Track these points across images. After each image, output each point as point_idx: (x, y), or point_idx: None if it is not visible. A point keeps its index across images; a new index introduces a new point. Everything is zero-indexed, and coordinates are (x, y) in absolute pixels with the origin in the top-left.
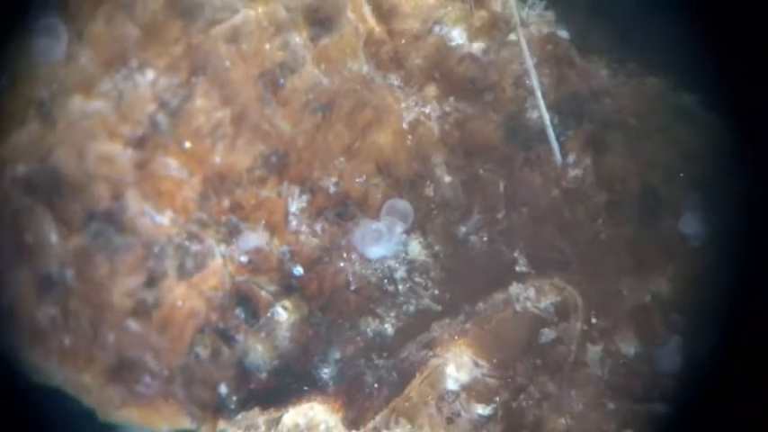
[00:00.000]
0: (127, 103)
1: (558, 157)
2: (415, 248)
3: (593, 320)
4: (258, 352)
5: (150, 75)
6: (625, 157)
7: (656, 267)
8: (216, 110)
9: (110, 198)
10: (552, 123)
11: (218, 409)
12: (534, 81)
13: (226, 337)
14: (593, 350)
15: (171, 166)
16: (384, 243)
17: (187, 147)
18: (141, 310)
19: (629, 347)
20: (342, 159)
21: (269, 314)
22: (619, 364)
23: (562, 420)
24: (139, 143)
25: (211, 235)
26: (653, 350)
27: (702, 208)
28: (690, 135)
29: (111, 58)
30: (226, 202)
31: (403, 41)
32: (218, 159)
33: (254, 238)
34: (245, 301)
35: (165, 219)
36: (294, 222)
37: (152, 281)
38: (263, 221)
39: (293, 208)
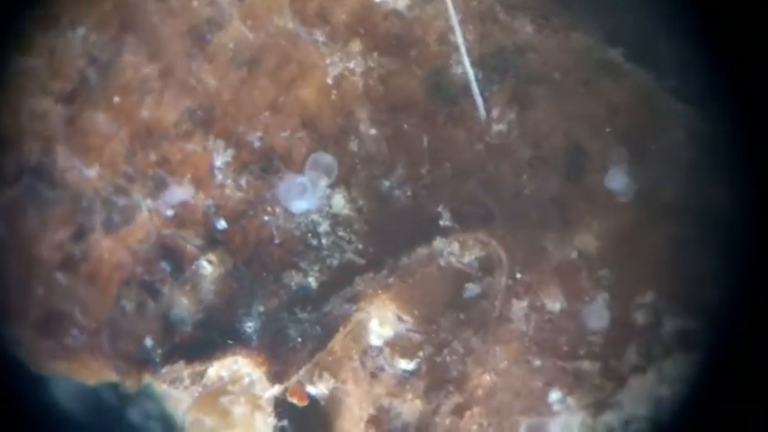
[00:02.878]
0: (58, 60)
1: (482, 112)
2: (339, 202)
3: (518, 276)
4: (183, 305)
5: (81, 31)
6: (550, 111)
7: (583, 223)
8: (144, 65)
9: (40, 153)
10: (476, 79)
11: (143, 363)
12: (458, 37)
13: (151, 289)
14: (518, 305)
15: (100, 120)
16: (308, 197)
17: (116, 101)
18: (69, 264)
19: (554, 303)
20: (267, 114)
21: (194, 267)
22: (544, 320)
23: (487, 376)
24: (69, 98)
25: (138, 189)
26: (580, 307)
27: (629, 162)
28: (615, 89)
29: (42, 15)
30: (152, 156)
31: None
32: (145, 114)
33: (180, 191)
34: (170, 255)
35: (92, 172)
36: (219, 176)
37: (80, 234)
38: (189, 175)
39: (218, 162)
